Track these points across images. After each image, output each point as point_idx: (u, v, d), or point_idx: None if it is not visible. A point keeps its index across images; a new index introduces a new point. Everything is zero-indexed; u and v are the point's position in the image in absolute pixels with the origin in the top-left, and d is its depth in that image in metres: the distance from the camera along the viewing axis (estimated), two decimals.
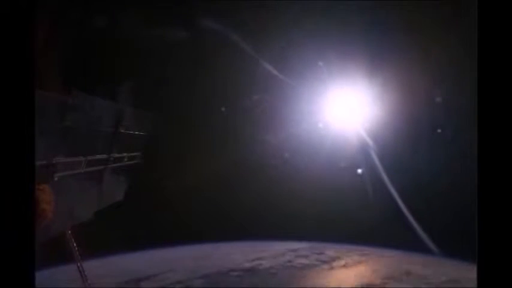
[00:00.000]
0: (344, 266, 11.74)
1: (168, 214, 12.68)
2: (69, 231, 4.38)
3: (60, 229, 4.39)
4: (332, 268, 11.52)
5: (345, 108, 12.86)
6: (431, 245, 11.59)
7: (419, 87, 11.92)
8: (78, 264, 4.44)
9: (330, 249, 13.35)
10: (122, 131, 5.49)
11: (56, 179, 4.06)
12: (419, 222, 11.90)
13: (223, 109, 13.65)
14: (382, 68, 11.75)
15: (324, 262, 12.10)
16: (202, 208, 13.41)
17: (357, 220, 12.64)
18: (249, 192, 13.36)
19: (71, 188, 4.52)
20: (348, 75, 11.97)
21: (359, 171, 13.30)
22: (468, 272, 10.25)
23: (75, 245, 4.37)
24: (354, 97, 12.54)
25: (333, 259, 12.26)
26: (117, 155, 5.56)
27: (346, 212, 12.93)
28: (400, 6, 10.92)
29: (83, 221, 5.08)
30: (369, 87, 11.97)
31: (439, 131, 12.49)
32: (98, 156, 5.03)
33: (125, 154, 5.84)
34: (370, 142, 12.59)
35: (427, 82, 12.00)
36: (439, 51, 11.23)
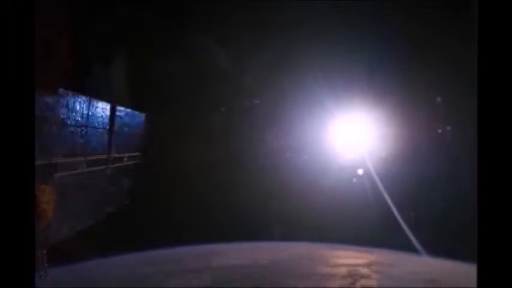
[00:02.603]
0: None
1: (168, 214, 12.68)
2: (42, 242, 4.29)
3: (60, 229, 4.39)
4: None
5: (346, 125, 12.76)
6: (429, 245, 11.61)
7: (423, 105, 11.77)
8: (42, 273, 4.34)
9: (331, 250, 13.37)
10: (121, 131, 5.50)
11: (56, 179, 4.06)
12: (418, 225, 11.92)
13: (223, 109, 13.67)
14: (385, 87, 11.58)
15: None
16: (203, 208, 13.41)
17: (357, 222, 12.64)
18: (248, 192, 13.37)
19: (71, 188, 4.53)
20: (349, 92, 11.86)
21: (359, 171, 13.30)
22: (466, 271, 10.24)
23: (45, 253, 4.29)
24: (355, 115, 12.43)
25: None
26: (117, 155, 5.57)
27: (345, 214, 12.93)
28: (405, 23, 10.76)
29: (82, 220, 5.09)
30: (371, 105, 11.86)
31: (439, 131, 12.44)
32: (98, 156, 5.04)
33: (124, 154, 5.85)
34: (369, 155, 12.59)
35: (433, 100, 11.87)
36: (445, 68, 11.04)
